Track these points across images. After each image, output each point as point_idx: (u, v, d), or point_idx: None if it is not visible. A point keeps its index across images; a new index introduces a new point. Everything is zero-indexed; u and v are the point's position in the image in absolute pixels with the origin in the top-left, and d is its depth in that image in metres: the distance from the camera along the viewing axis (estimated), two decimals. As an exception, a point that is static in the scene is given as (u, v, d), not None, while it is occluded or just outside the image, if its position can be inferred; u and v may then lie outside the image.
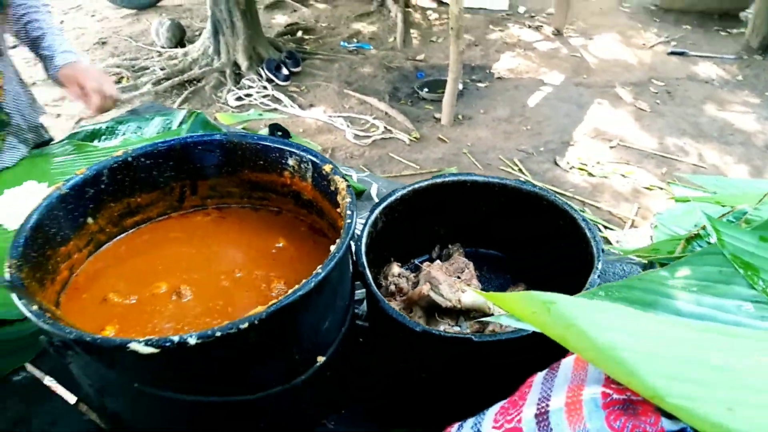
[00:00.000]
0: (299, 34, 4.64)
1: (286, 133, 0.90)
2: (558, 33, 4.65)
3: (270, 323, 0.60)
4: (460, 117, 3.44)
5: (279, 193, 0.92)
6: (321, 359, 0.71)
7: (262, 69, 3.92)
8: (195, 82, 3.90)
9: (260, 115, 1.73)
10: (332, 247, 0.66)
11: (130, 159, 0.86)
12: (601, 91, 3.72)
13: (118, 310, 0.76)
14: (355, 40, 4.54)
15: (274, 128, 0.92)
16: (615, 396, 0.44)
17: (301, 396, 0.72)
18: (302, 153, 0.85)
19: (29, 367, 0.90)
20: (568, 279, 0.77)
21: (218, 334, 0.57)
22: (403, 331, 0.68)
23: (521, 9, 5.18)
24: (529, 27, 4.80)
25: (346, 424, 0.82)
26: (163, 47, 4.42)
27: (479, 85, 3.83)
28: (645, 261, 0.87)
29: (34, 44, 1.32)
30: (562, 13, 4.62)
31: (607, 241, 2.25)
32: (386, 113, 3.50)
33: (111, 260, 0.86)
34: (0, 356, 0.90)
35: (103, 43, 4.65)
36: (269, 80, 3.87)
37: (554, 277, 0.81)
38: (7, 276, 0.64)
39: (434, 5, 5.29)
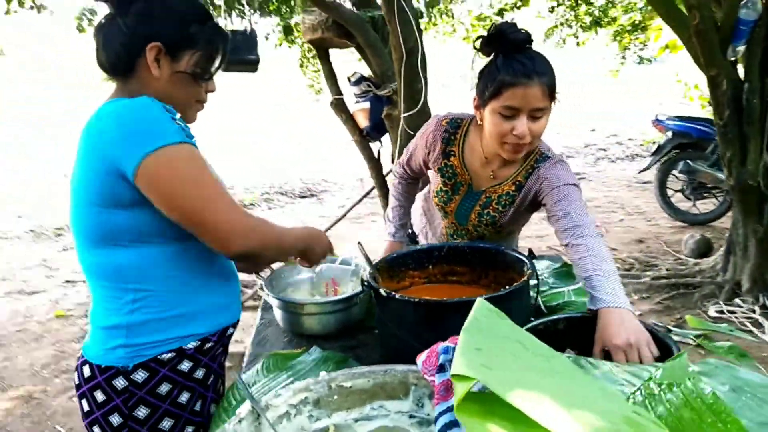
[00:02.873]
0: (838, 278, 4.24)
1: (532, 253, 1.51)
2: None
3: (434, 307, 1.27)
4: None
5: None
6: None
7: (763, 295, 3.88)
8: (690, 287, 4.22)
9: (731, 330, 1.84)
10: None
11: (461, 246, 1.65)
12: None
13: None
14: None
15: (530, 252, 1.53)
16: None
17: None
18: (528, 262, 1.45)
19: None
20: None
21: (396, 295, 1.29)
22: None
23: None
24: None
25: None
26: (685, 255, 4.90)
27: None
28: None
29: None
30: None
31: None
32: None
33: (430, 288, 1.65)
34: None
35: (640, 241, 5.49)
36: (765, 306, 3.80)
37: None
38: (368, 272, 1.53)
39: None
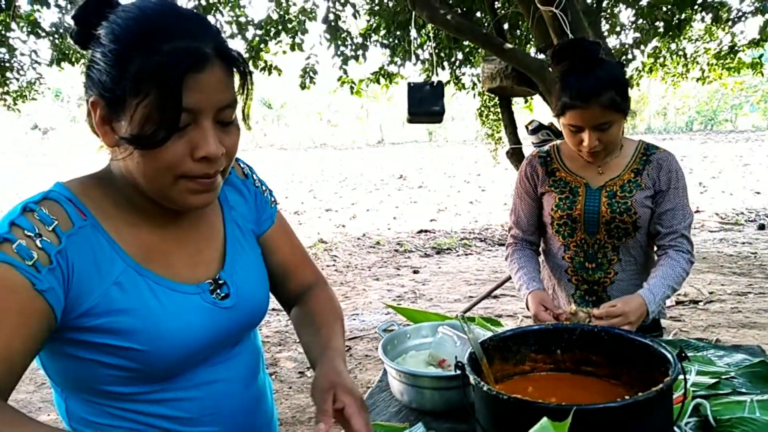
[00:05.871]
0: None
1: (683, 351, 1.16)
2: None
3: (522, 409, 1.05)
4: None
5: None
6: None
7: None
8: None
9: None
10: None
11: (596, 331, 1.37)
12: None
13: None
14: None
15: (681, 351, 1.17)
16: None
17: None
18: (673, 362, 1.12)
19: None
20: None
21: (484, 387, 1.08)
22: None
23: None
24: None
25: None
26: None
27: None
28: None
29: None
30: None
31: None
32: None
33: (553, 377, 1.39)
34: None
35: None
36: None
37: None
38: (468, 350, 1.34)
39: None
